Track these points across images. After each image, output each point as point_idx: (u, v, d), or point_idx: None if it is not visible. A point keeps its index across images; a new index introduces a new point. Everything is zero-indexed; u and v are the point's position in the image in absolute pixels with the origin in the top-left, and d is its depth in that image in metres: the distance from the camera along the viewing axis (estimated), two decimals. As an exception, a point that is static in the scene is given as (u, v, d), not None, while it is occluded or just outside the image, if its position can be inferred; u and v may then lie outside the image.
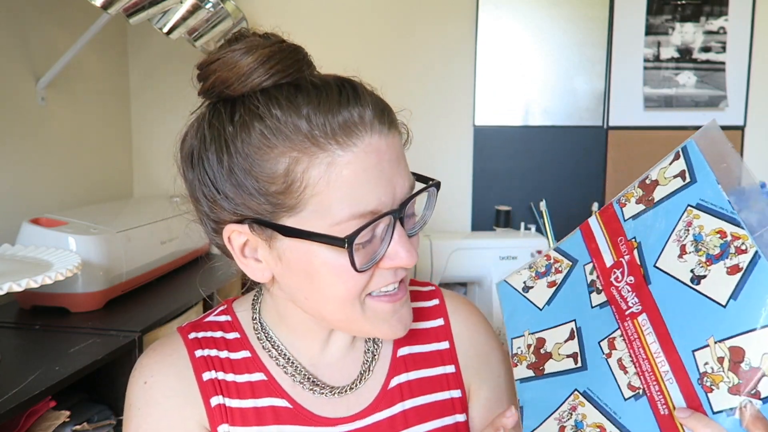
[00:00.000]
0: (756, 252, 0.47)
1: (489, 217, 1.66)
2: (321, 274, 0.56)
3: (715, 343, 0.47)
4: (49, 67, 1.36)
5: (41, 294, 1.16)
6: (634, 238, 0.55)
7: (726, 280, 0.48)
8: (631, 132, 1.59)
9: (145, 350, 0.67)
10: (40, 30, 1.38)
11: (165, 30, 1.31)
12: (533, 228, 1.51)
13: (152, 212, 1.47)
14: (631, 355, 0.52)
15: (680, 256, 0.51)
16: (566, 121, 1.63)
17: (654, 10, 1.58)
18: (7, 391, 0.82)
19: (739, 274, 0.47)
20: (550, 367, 0.59)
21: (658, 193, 0.55)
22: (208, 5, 1.32)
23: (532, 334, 0.61)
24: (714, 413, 0.46)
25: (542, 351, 0.60)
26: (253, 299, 0.69)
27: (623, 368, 0.53)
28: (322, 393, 0.65)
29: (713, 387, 0.47)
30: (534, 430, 0.57)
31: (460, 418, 0.69)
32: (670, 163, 0.55)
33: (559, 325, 0.59)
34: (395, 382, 0.67)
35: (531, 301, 0.63)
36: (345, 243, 0.52)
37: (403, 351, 0.70)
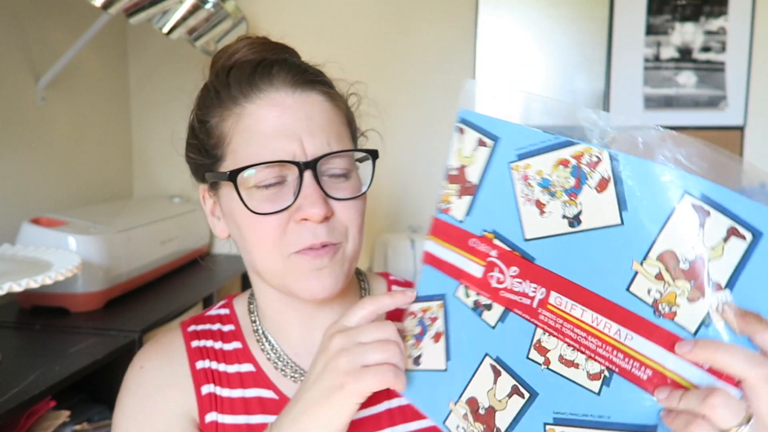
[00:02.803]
0: (609, 154, 0.41)
1: (489, 217, 1.66)
2: (238, 217, 0.61)
3: (641, 264, 0.40)
4: (49, 67, 1.36)
5: (41, 294, 1.16)
6: (484, 230, 0.48)
7: (603, 198, 0.41)
8: (631, 132, 1.60)
9: (148, 342, 0.70)
10: (40, 30, 1.38)
11: (165, 30, 1.31)
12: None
13: (152, 212, 1.47)
14: (570, 344, 0.43)
15: (542, 213, 0.44)
16: (566, 121, 1.62)
17: (654, 10, 1.58)
18: (7, 391, 0.82)
19: (611, 185, 0.41)
20: (502, 420, 0.47)
21: (472, 175, 0.49)
22: (208, 5, 1.32)
23: (457, 402, 0.49)
24: (694, 334, 0.38)
25: (481, 411, 0.48)
26: (251, 291, 0.72)
27: (571, 364, 0.43)
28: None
29: (673, 308, 0.39)
30: None
31: None
32: (459, 142, 0.50)
33: (475, 372, 0.48)
34: None
35: (432, 370, 0.51)
36: (228, 176, 0.58)
37: None
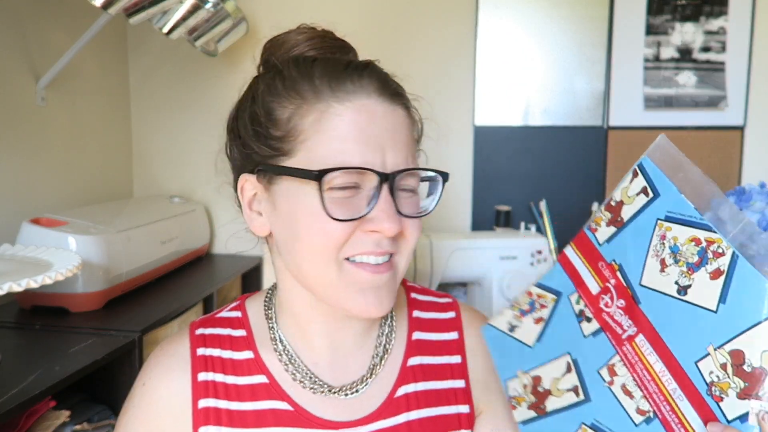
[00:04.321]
0: (733, 252, 0.47)
1: (489, 217, 1.66)
2: (301, 217, 0.59)
3: (715, 350, 0.47)
4: (49, 67, 1.36)
5: (41, 294, 1.16)
6: (614, 260, 0.55)
7: (711, 285, 0.48)
8: (631, 132, 1.59)
9: (157, 347, 0.69)
10: (40, 30, 1.38)
11: (165, 30, 1.31)
12: (533, 228, 1.51)
13: (152, 212, 1.47)
14: (635, 379, 0.51)
15: (662, 270, 0.51)
16: (566, 121, 1.63)
17: (654, 10, 1.58)
18: (7, 391, 0.82)
19: (722, 278, 0.47)
20: (551, 404, 0.57)
21: (626, 213, 0.55)
22: (208, 5, 1.32)
23: (526, 373, 0.60)
24: (729, 422, 0.46)
25: (540, 389, 0.59)
26: (267, 294, 0.70)
27: (628, 393, 0.52)
28: (322, 392, 0.64)
29: (722, 395, 0.46)
30: None
31: None
32: (630, 182, 0.55)
33: (553, 360, 0.58)
34: (402, 391, 0.67)
35: (519, 340, 0.62)
36: (315, 175, 0.56)
37: (414, 361, 0.69)
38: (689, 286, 0.49)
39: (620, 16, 1.59)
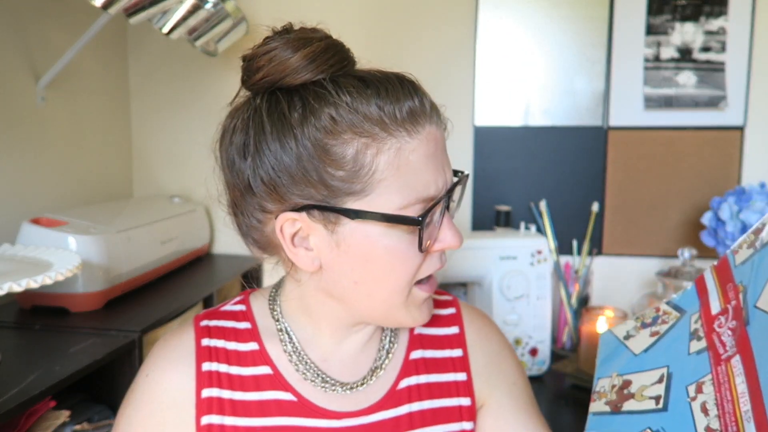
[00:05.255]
0: None
1: (489, 217, 1.66)
2: (382, 257, 0.57)
3: None
4: (49, 67, 1.36)
5: (41, 294, 1.16)
6: (741, 282, 0.54)
7: None
8: (631, 132, 1.59)
9: (160, 338, 0.69)
10: (40, 30, 1.38)
11: (165, 30, 1.31)
12: (533, 228, 1.51)
13: (152, 212, 1.47)
14: (716, 399, 0.50)
15: None
16: (566, 121, 1.63)
17: (654, 10, 1.58)
18: (7, 391, 0.82)
19: None
20: (628, 405, 0.57)
21: (765, 236, 0.54)
22: (208, 5, 1.32)
23: (620, 375, 0.60)
24: None
25: (626, 392, 0.58)
26: (272, 291, 0.70)
27: (705, 411, 0.50)
28: (333, 389, 0.65)
29: None
30: None
31: (467, 426, 0.69)
32: None
33: (651, 370, 0.58)
34: (405, 383, 0.68)
35: (628, 348, 0.62)
36: (419, 222, 0.56)
37: (416, 354, 0.70)
38: None
39: (620, 16, 1.59)
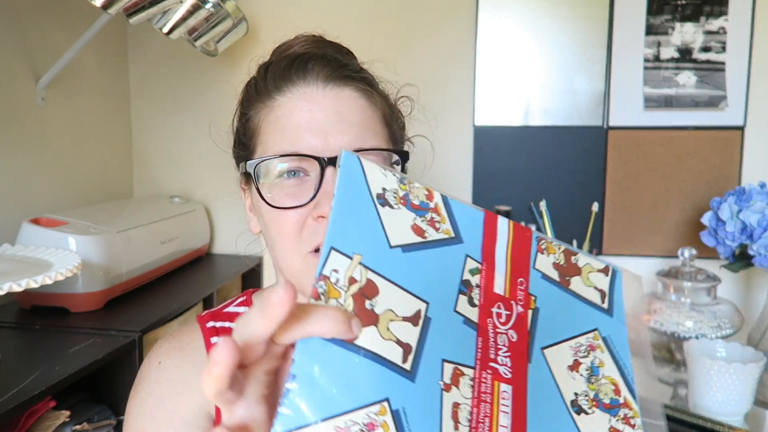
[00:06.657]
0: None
1: (489, 217, 1.66)
2: (263, 214, 0.61)
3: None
4: (49, 67, 1.36)
5: (41, 294, 1.16)
6: (536, 297, 0.45)
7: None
8: (631, 132, 1.59)
9: (164, 336, 0.69)
10: (40, 30, 1.38)
11: (165, 30, 1.31)
12: (533, 228, 1.51)
13: (152, 212, 1.47)
14: (471, 414, 0.38)
15: (571, 369, 0.45)
16: (566, 121, 1.63)
17: (654, 10, 1.58)
18: (7, 391, 0.82)
19: None
20: (368, 340, 0.36)
21: (575, 286, 0.48)
22: (208, 5, 1.32)
23: (366, 268, 0.38)
24: None
25: (368, 306, 0.37)
26: None
27: (455, 418, 0.38)
28: None
29: None
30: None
31: None
32: (599, 271, 0.50)
33: (406, 291, 0.39)
34: None
35: (381, 221, 0.40)
36: (243, 164, 0.60)
37: None
38: (586, 413, 0.43)
39: (620, 16, 1.58)
